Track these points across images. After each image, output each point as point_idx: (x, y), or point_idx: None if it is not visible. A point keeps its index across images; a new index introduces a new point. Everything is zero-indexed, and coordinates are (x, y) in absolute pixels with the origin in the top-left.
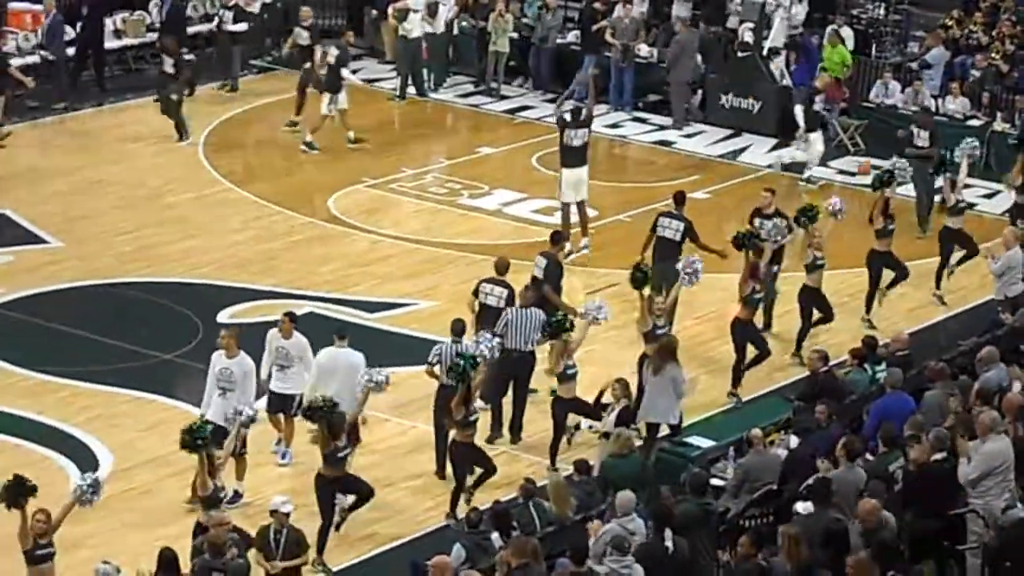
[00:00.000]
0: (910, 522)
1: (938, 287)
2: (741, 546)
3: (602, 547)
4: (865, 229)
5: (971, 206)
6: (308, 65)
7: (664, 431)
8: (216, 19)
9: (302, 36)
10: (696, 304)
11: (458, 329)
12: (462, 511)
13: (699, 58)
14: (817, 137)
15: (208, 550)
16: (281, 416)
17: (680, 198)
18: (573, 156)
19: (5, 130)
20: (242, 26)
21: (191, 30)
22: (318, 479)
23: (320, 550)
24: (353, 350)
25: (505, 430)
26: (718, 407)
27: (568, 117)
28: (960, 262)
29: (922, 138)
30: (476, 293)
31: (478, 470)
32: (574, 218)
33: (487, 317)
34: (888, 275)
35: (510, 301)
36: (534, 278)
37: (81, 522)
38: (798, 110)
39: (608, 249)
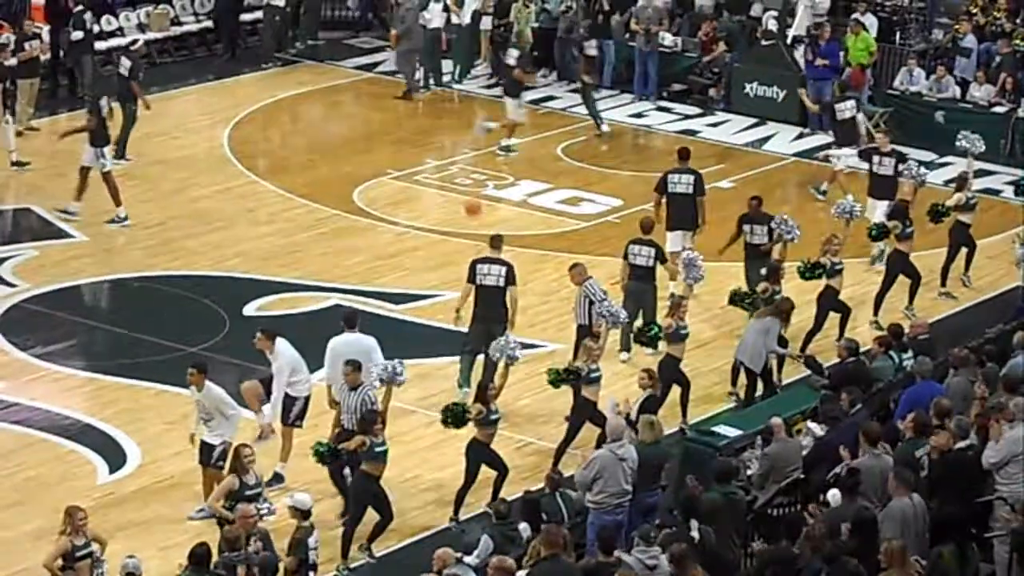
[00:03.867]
0: (934, 508)
1: (944, 283)
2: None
3: (590, 475)
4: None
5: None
6: None
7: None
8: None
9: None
10: (721, 293)
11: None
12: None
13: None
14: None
15: (224, 545)
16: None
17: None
18: None
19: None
20: (12, 61)
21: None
22: (360, 474)
23: (346, 547)
24: (363, 335)
25: None
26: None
27: None
28: (968, 262)
29: (758, 234)
30: (626, 256)
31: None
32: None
33: (636, 275)
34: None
35: (658, 258)
36: None
37: (109, 517)
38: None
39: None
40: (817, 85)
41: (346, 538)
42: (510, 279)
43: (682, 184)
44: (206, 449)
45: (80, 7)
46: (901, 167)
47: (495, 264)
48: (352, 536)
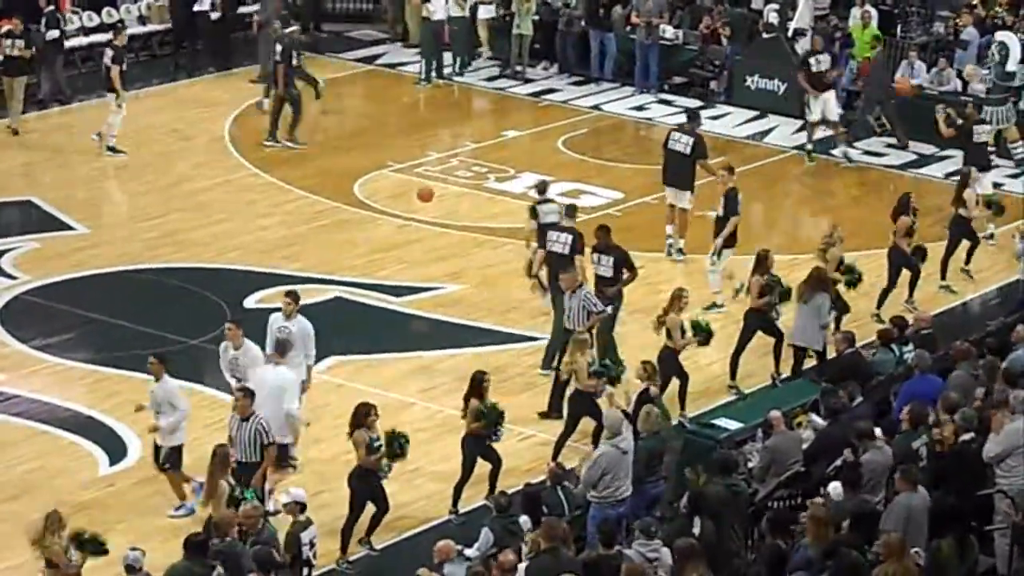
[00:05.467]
0: (935, 500)
1: (944, 277)
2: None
3: (597, 473)
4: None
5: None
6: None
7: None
8: None
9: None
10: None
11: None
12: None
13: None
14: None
15: (213, 531)
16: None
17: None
18: None
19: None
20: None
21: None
22: (358, 470)
23: (345, 542)
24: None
25: None
26: (746, 390)
27: None
28: (969, 255)
29: (604, 266)
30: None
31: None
32: None
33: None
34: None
35: (573, 248)
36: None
37: (110, 508)
38: None
39: (634, 231)
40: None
41: (345, 533)
42: (575, 247)
43: (680, 143)
44: (156, 451)
45: (52, 7)
46: None
47: (564, 232)
48: (351, 531)
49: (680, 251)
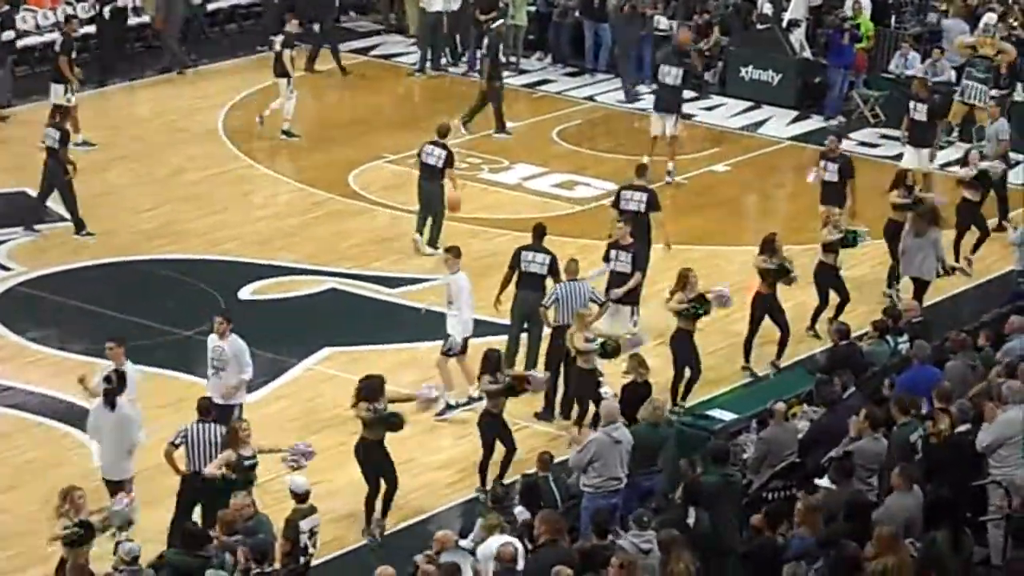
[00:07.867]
0: (928, 491)
1: (957, 259)
2: (755, 523)
3: (585, 458)
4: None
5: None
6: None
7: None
8: None
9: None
10: (716, 277)
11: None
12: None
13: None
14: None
15: (223, 528)
16: None
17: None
18: None
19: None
20: None
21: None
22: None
23: (369, 517)
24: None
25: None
26: (740, 380)
27: None
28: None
29: (537, 263)
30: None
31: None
32: None
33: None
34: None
35: (650, 205)
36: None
37: (104, 500)
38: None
39: None
40: (842, 73)
41: (368, 508)
42: (652, 205)
43: (670, 76)
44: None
45: (8, 7)
46: None
47: (637, 191)
48: (372, 506)
49: (669, 173)
